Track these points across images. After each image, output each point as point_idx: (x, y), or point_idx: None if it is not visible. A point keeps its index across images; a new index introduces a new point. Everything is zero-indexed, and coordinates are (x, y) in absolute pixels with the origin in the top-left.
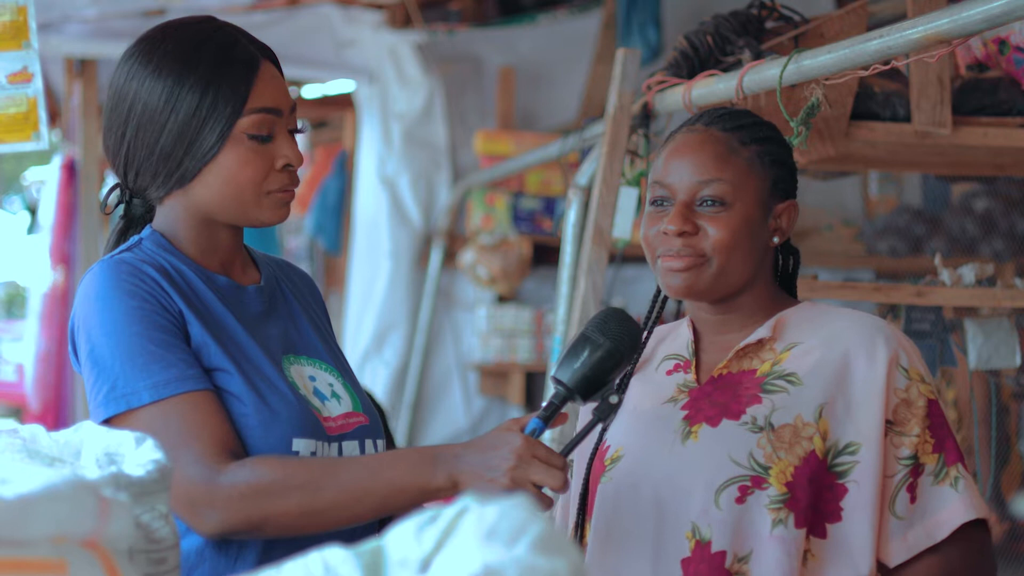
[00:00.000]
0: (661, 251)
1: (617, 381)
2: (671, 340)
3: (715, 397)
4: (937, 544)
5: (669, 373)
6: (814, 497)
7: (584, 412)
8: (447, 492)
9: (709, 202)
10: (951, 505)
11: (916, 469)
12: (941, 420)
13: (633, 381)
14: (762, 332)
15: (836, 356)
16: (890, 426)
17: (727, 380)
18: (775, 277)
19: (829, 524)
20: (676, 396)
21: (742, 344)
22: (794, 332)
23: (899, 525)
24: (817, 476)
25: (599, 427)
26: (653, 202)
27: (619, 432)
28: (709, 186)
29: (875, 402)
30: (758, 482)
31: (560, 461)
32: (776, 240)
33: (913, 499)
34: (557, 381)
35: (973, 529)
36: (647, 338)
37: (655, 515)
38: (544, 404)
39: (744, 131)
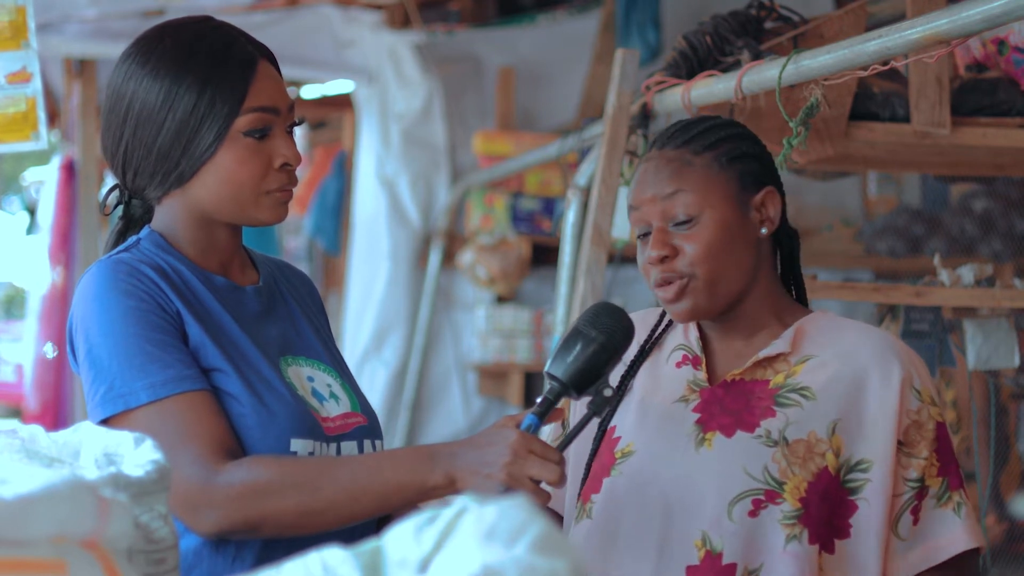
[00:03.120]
0: (652, 280)
1: (611, 374)
2: (679, 328)
3: (727, 404)
4: (934, 566)
5: (679, 365)
6: (828, 513)
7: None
8: (445, 490)
9: (680, 221)
10: (953, 531)
11: (921, 492)
12: (947, 444)
13: (642, 369)
14: (781, 346)
15: (850, 373)
16: (900, 446)
17: (740, 387)
18: (776, 268)
19: (838, 540)
20: (687, 395)
21: (762, 355)
22: (808, 344)
23: (900, 546)
24: (830, 492)
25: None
26: (639, 236)
27: (629, 424)
28: (671, 203)
29: (888, 422)
30: (772, 496)
31: (556, 456)
32: (765, 231)
33: (916, 521)
34: (551, 376)
35: (970, 556)
36: (653, 341)
37: (663, 518)
38: (539, 400)
39: (694, 142)
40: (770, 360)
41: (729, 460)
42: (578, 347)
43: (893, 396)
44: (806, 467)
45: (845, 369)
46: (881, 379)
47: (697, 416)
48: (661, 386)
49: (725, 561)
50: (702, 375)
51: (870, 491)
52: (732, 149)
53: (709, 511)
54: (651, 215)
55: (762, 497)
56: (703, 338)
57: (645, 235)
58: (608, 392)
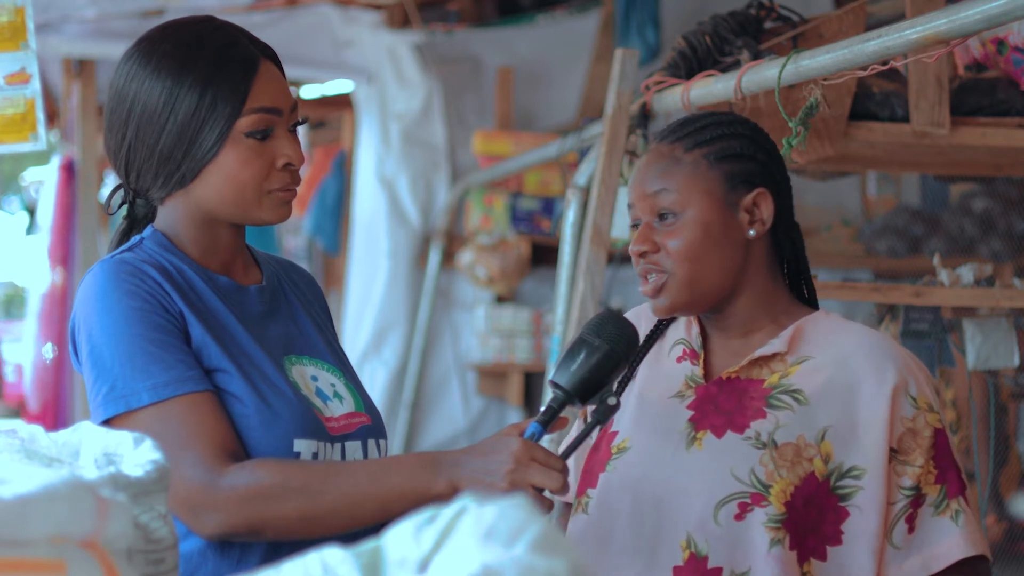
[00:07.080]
0: (638, 272)
1: (616, 383)
2: (683, 321)
3: (720, 403)
4: (933, 574)
5: (679, 360)
6: (812, 520)
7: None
8: (447, 498)
9: (664, 216)
10: (950, 539)
11: (917, 500)
12: (946, 450)
13: (644, 361)
14: (778, 345)
15: (845, 379)
16: (894, 454)
17: (734, 385)
18: (779, 268)
19: (830, 547)
20: (683, 391)
21: (757, 354)
22: (806, 346)
23: (896, 554)
24: (815, 498)
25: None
26: (631, 226)
27: (626, 419)
28: (657, 199)
29: (879, 429)
30: (758, 499)
31: (559, 464)
32: (753, 233)
33: (911, 530)
34: (555, 385)
35: (973, 564)
36: (645, 349)
37: (653, 517)
38: (543, 408)
39: (686, 139)
40: (766, 359)
41: (717, 462)
42: (582, 356)
43: (884, 403)
44: (794, 471)
45: (840, 374)
46: (874, 386)
47: (691, 414)
48: (660, 380)
49: (711, 565)
50: (699, 371)
51: (862, 498)
52: (724, 148)
53: (695, 513)
54: (640, 209)
55: (748, 500)
56: (703, 333)
57: (633, 227)
58: (612, 401)
